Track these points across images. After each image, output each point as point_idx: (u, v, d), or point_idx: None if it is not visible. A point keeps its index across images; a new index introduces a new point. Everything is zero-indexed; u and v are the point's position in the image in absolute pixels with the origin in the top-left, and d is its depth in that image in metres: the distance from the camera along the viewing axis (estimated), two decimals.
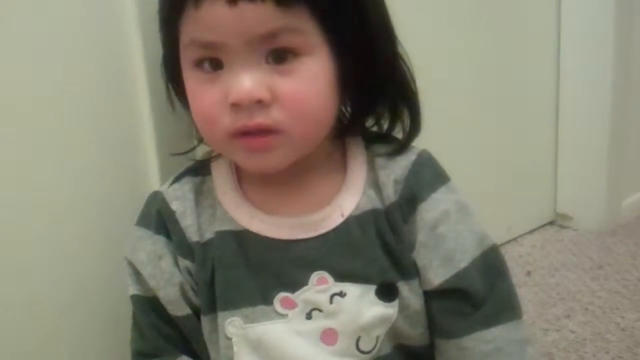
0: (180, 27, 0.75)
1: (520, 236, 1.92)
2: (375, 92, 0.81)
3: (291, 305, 0.80)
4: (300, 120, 0.74)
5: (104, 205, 1.00)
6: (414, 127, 0.84)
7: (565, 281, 1.68)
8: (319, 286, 0.80)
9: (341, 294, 0.80)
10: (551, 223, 2.02)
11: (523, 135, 1.88)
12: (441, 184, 0.83)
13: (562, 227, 2.00)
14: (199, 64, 0.74)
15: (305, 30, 0.72)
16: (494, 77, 1.73)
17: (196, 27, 0.72)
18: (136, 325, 0.86)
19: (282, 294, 0.80)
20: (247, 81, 0.71)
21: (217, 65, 0.73)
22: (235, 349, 0.81)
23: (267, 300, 0.80)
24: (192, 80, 0.76)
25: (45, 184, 0.94)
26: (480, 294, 0.81)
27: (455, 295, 0.81)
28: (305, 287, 0.80)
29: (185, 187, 0.84)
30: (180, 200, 0.83)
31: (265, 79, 0.72)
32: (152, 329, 0.83)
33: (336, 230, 0.81)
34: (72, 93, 0.94)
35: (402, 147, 0.84)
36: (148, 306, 0.84)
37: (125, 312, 0.93)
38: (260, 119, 0.73)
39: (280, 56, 0.72)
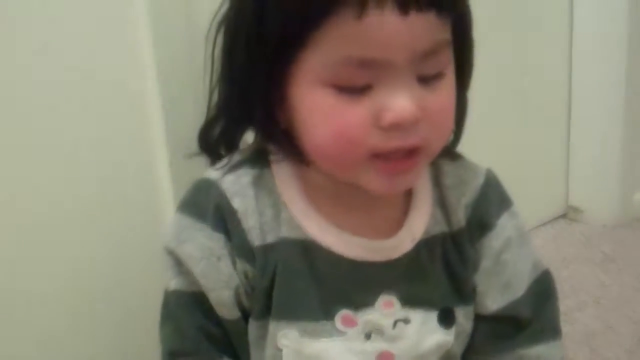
0: (316, 39, 0.65)
1: (532, 229, 1.92)
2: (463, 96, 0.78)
3: (352, 323, 0.77)
4: (442, 136, 0.73)
5: (112, 201, 1.00)
6: (460, 132, 0.81)
7: (578, 274, 1.68)
8: (386, 310, 0.78)
9: (405, 321, 0.78)
10: (563, 216, 2.02)
11: (535, 129, 1.87)
12: (505, 209, 0.83)
13: (573, 220, 2.00)
14: (338, 87, 0.66)
15: (450, 43, 0.70)
16: (507, 72, 1.73)
17: (354, 41, 0.64)
18: (174, 322, 0.80)
19: (345, 311, 0.77)
20: (408, 100, 0.65)
21: (365, 87, 0.66)
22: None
23: (329, 316, 0.77)
24: (324, 100, 0.67)
25: (52, 181, 0.95)
26: (528, 318, 0.82)
27: (505, 321, 0.82)
28: (371, 308, 0.78)
29: (244, 181, 0.77)
30: (241, 197, 0.76)
31: (419, 95, 0.67)
32: (194, 327, 0.78)
33: (406, 255, 0.79)
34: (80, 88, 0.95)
35: (456, 154, 0.82)
36: (193, 303, 0.78)
37: (136, 308, 0.93)
38: (413, 140, 0.68)
39: (433, 75, 0.68)
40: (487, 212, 0.81)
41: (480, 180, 0.82)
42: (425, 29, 0.65)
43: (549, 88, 1.90)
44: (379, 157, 0.69)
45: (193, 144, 0.86)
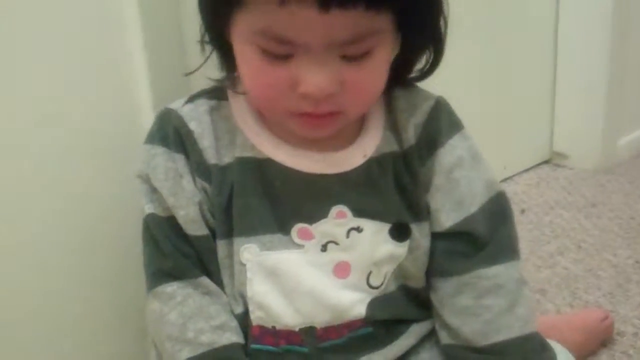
0: (248, 6, 0.70)
1: (516, 174, 1.94)
2: (418, 54, 0.82)
3: (308, 236, 0.82)
4: (362, 103, 0.78)
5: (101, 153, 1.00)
6: (433, 67, 0.84)
7: (559, 219, 1.71)
8: (338, 219, 0.82)
9: (358, 229, 0.82)
10: (547, 162, 2.04)
11: (520, 74, 1.87)
12: (456, 131, 0.86)
13: (557, 165, 2.02)
14: (265, 51, 0.71)
15: (385, 29, 0.72)
16: (492, 15, 1.72)
17: (275, 22, 0.68)
18: (153, 244, 0.83)
19: (300, 225, 0.81)
20: (322, 77, 0.70)
21: (287, 55, 0.71)
22: (249, 274, 0.81)
23: (285, 230, 0.81)
24: (252, 56, 0.73)
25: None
26: (484, 237, 0.84)
27: (461, 237, 0.84)
28: (324, 219, 0.82)
29: (201, 109, 0.83)
30: (197, 121, 0.82)
31: (337, 72, 0.71)
32: (172, 247, 0.82)
33: (357, 169, 0.82)
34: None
35: (418, 79, 0.85)
36: (166, 225, 0.82)
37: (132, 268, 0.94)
38: (326, 107, 0.73)
39: (358, 55, 0.71)
40: (437, 131, 0.84)
41: (430, 103, 0.85)
42: (347, 22, 0.67)
43: (535, 34, 1.90)
44: (294, 114, 0.75)
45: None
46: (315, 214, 0.82)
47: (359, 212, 0.82)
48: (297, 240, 0.82)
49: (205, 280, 0.82)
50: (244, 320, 0.84)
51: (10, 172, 0.91)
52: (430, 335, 0.90)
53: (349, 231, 0.82)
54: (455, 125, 0.86)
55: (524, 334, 0.83)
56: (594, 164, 1.97)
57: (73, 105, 0.95)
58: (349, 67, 0.71)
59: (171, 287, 0.82)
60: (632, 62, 1.96)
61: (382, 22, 0.71)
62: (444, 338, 0.87)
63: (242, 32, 0.72)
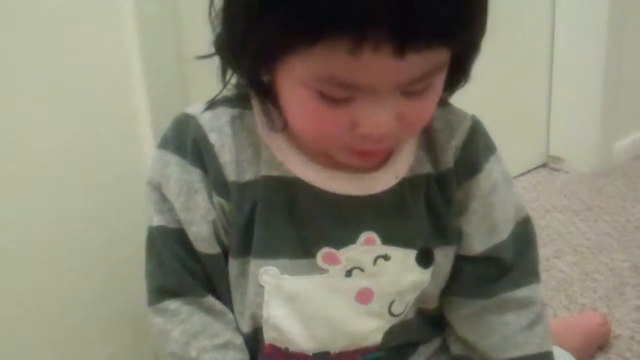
0: (312, 52, 0.62)
1: (512, 178, 1.94)
2: (466, 72, 0.76)
3: (335, 261, 0.78)
4: (417, 131, 0.75)
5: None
6: (464, 82, 0.78)
7: (556, 222, 1.71)
8: (366, 246, 0.78)
9: (385, 257, 0.79)
10: (543, 165, 2.04)
11: (517, 78, 1.88)
12: (492, 153, 0.83)
13: (554, 169, 2.02)
14: (321, 93, 0.65)
15: (447, 60, 0.67)
16: (490, 22, 1.72)
17: (342, 69, 0.62)
18: (158, 258, 0.80)
19: (327, 249, 0.77)
20: (384, 119, 0.66)
21: (348, 98, 0.65)
22: (266, 297, 0.79)
23: (309, 254, 0.77)
24: (308, 100, 0.66)
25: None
26: (511, 262, 0.83)
27: (488, 262, 0.83)
28: (352, 245, 0.78)
29: (223, 119, 0.77)
30: (218, 132, 0.76)
31: (398, 109, 0.66)
32: (177, 263, 0.79)
33: (388, 191, 0.78)
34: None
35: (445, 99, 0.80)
36: (175, 239, 0.78)
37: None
38: (384, 144, 0.71)
39: (420, 89, 0.67)
40: (476, 154, 0.81)
41: (468, 124, 0.82)
42: (419, 63, 0.63)
43: (531, 38, 1.90)
44: (351, 151, 0.71)
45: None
46: (343, 239, 0.78)
47: (387, 240, 0.79)
48: (321, 264, 0.78)
49: (210, 299, 0.80)
50: (254, 337, 0.82)
51: (7, 172, 0.92)
52: (435, 354, 0.90)
53: (376, 258, 0.79)
54: (490, 148, 0.83)
55: (540, 352, 0.83)
56: (590, 167, 1.98)
57: (69, 105, 0.96)
58: (409, 102, 0.66)
59: (175, 304, 0.80)
60: (627, 67, 1.96)
61: (447, 55, 0.67)
62: (457, 349, 0.87)
63: (298, 75, 0.65)
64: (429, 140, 0.81)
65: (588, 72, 1.91)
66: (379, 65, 0.61)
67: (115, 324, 1.06)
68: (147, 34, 0.99)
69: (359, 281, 0.79)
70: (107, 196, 1.02)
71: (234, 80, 0.78)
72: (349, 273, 0.79)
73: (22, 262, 0.97)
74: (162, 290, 0.81)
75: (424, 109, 0.70)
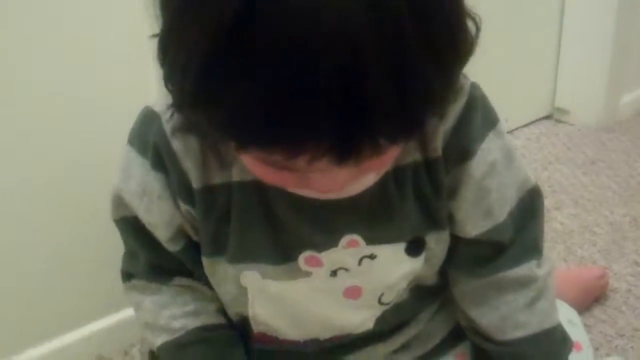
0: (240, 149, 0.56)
1: (517, 129, 1.93)
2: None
3: (317, 263, 0.74)
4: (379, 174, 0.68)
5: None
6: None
7: (558, 175, 1.70)
8: (349, 249, 0.74)
9: (371, 257, 0.75)
10: (548, 117, 2.02)
11: (526, 28, 1.85)
12: (490, 129, 0.74)
13: (559, 121, 2.00)
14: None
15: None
16: None
17: (281, 164, 0.55)
18: (127, 247, 0.81)
19: (308, 253, 0.73)
20: (336, 182, 0.59)
21: None
22: (250, 297, 0.77)
23: (291, 258, 0.73)
24: (249, 159, 0.60)
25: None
26: (509, 239, 0.79)
27: (485, 243, 0.79)
28: (333, 249, 0.73)
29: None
30: (182, 134, 0.70)
31: (353, 168, 0.57)
32: (144, 256, 0.79)
33: (370, 190, 0.70)
34: None
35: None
36: (139, 229, 0.76)
37: None
38: (344, 192, 0.65)
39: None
40: (468, 138, 0.73)
41: (461, 101, 0.72)
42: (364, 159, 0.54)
43: None
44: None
45: None
46: (324, 243, 0.73)
47: (372, 240, 0.74)
48: (304, 267, 0.74)
49: (178, 279, 0.80)
50: (243, 326, 0.82)
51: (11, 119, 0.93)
52: (435, 314, 0.88)
53: (361, 259, 0.74)
54: (488, 123, 0.74)
55: (542, 330, 0.80)
56: (596, 121, 1.96)
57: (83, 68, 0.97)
58: (368, 159, 0.56)
59: (145, 281, 0.81)
60: (638, 22, 1.93)
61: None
62: (463, 321, 0.85)
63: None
64: None
65: (599, 25, 1.88)
66: (319, 166, 0.53)
67: (101, 263, 1.07)
68: None
69: (345, 280, 0.76)
70: (105, 148, 1.01)
71: None
72: (333, 273, 0.75)
73: (14, 203, 0.98)
74: (132, 275, 0.82)
75: (384, 162, 0.62)
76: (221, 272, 0.76)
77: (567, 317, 0.98)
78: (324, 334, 0.81)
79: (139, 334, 1.02)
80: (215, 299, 0.81)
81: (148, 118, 0.73)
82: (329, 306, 0.77)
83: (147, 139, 0.72)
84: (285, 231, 0.73)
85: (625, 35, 1.90)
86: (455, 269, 0.82)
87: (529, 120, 1.97)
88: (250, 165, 0.61)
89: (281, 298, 0.77)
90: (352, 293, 0.77)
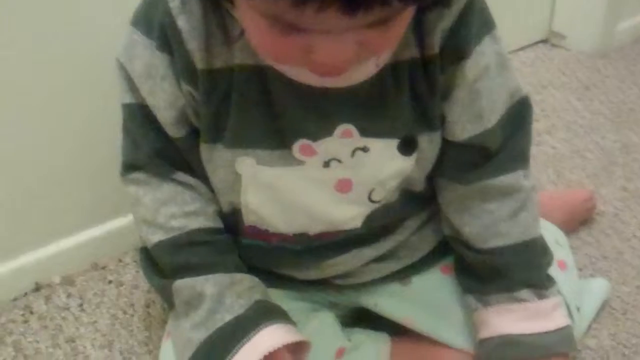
0: None
1: (512, 52, 1.91)
2: None
3: (311, 152, 0.76)
4: (386, 52, 0.70)
5: None
6: None
7: (551, 99, 1.70)
8: (343, 139, 0.76)
9: (364, 149, 0.77)
10: (544, 41, 2.00)
11: None
12: (486, 33, 0.77)
13: (554, 45, 1.98)
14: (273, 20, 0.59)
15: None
16: None
17: (289, 16, 0.56)
18: (129, 135, 0.81)
19: (303, 141, 0.75)
20: (341, 48, 0.59)
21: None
22: (243, 184, 0.79)
23: (286, 145, 0.76)
24: (259, 24, 0.60)
25: None
26: (497, 147, 0.81)
27: (474, 148, 0.81)
28: (328, 137, 0.76)
29: (193, 0, 0.72)
30: (187, 15, 0.71)
31: (357, 38, 0.59)
32: (148, 143, 0.79)
33: (368, 81, 0.73)
34: None
35: None
36: (145, 117, 0.78)
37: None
38: (347, 68, 0.64)
39: (382, 22, 0.59)
40: (465, 39, 0.75)
41: (461, 2, 0.74)
42: (375, 13, 0.55)
43: None
44: (312, 70, 0.65)
45: None
46: (318, 132, 0.75)
47: (366, 132, 0.76)
48: (298, 156, 0.76)
49: (181, 175, 0.80)
50: (234, 217, 0.83)
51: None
52: (422, 223, 0.90)
53: (354, 150, 0.77)
54: (485, 26, 0.77)
55: (523, 241, 0.83)
56: (592, 46, 1.94)
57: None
58: (372, 31, 0.59)
59: (145, 175, 0.81)
60: None
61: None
62: (447, 230, 0.87)
63: (246, 5, 0.61)
64: (417, 20, 0.72)
65: None
66: (326, 19, 0.54)
67: (106, 166, 1.07)
68: None
69: (337, 172, 0.78)
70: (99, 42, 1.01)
71: None
72: (326, 164, 0.77)
73: (14, 107, 0.98)
74: (132, 166, 0.82)
75: (389, 38, 0.63)
76: (217, 159, 0.78)
77: (554, 237, 1.01)
78: (313, 228, 0.82)
79: (133, 241, 1.03)
80: (214, 200, 0.82)
81: (153, 1, 0.74)
82: (320, 197, 0.79)
83: (153, 19, 0.74)
84: (282, 118, 0.75)
85: None
86: (443, 175, 0.84)
87: (525, 44, 1.95)
88: (255, 31, 0.63)
89: (273, 186, 0.79)
90: (343, 186, 0.79)
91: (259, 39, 0.64)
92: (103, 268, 1.14)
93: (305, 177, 0.78)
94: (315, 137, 0.76)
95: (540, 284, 0.83)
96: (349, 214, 0.82)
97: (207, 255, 0.81)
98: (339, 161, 0.77)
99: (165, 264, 0.82)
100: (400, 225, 0.88)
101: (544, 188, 1.34)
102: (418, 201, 0.87)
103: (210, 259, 0.81)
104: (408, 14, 0.63)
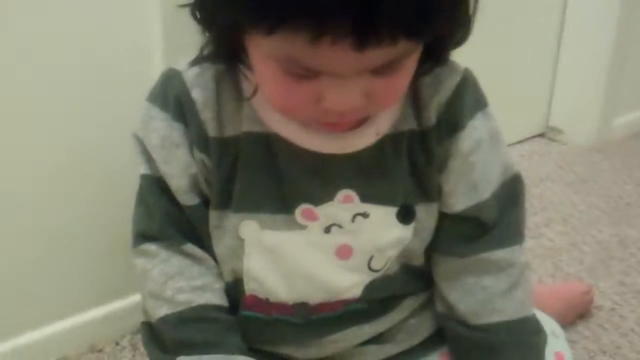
0: (273, 35, 0.61)
1: (510, 145, 1.95)
2: (446, 47, 0.75)
3: (313, 217, 0.79)
4: (389, 105, 0.74)
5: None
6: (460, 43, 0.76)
7: (549, 192, 1.72)
8: (344, 204, 0.78)
9: (364, 215, 0.79)
10: (542, 135, 2.05)
11: (524, 45, 1.87)
12: (479, 109, 0.81)
13: (552, 140, 2.02)
14: (288, 71, 0.65)
15: (418, 47, 0.67)
16: None
17: (303, 54, 0.61)
18: (144, 205, 0.83)
19: (305, 205, 0.78)
20: (348, 96, 0.65)
21: (311, 75, 0.64)
22: (246, 249, 0.80)
23: (289, 210, 0.78)
24: (273, 72, 0.66)
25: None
26: (492, 221, 0.82)
27: (468, 221, 0.82)
28: (329, 202, 0.78)
29: (207, 74, 0.77)
30: (201, 88, 0.76)
31: (365, 87, 0.65)
32: (161, 210, 0.81)
33: (369, 149, 0.78)
34: None
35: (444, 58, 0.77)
36: (159, 188, 0.80)
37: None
38: (352, 118, 0.71)
39: (388, 71, 0.65)
40: (460, 112, 0.79)
41: (456, 79, 0.79)
42: (383, 53, 0.61)
43: (541, 8, 1.89)
44: (319, 122, 0.72)
45: None
46: (320, 196, 0.78)
47: (366, 197, 0.79)
48: (300, 220, 0.79)
49: (190, 246, 0.81)
50: (235, 287, 0.83)
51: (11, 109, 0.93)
52: (422, 306, 0.90)
53: (354, 216, 0.79)
54: (478, 103, 0.81)
55: (517, 318, 0.83)
56: (588, 141, 1.98)
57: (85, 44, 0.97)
58: (378, 80, 0.65)
59: (155, 247, 0.82)
60: (635, 44, 1.96)
61: (415, 45, 0.65)
62: (440, 307, 0.87)
63: (263, 51, 0.65)
64: (414, 95, 0.79)
65: (596, 47, 1.91)
66: (339, 56, 0.60)
67: (108, 248, 1.08)
68: None
69: (337, 237, 0.80)
70: (108, 132, 1.03)
71: None
72: (327, 229, 0.79)
73: (22, 191, 1.00)
74: (143, 236, 0.83)
75: (394, 87, 0.69)
76: (226, 225, 0.80)
77: (550, 329, 1.00)
78: (313, 297, 0.83)
79: (130, 324, 1.03)
80: (221, 276, 0.84)
81: (169, 76, 0.79)
82: (320, 263, 0.81)
83: (168, 94, 0.78)
84: (286, 182, 0.78)
85: (621, 59, 1.93)
86: (438, 250, 0.85)
87: (523, 137, 2.00)
88: (269, 80, 0.68)
89: (275, 251, 0.80)
90: (344, 252, 0.81)
91: (273, 88, 0.69)
92: (100, 351, 1.14)
93: (306, 242, 0.80)
94: (317, 202, 0.78)
95: None
96: (349, 282, 0.83)
97: (211, 333, 0.81)
98: (340, 226, 0.79)
99: (169, 339, 0.82)
100: (399, 304, 0.88)
101: (541, 281, 1.35)
102: (417, 278, 0.88)
103: (214, 338, 0.81)
104: (411, 65, 0.68)
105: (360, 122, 0.76)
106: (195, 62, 0.78)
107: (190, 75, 0.77)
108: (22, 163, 0.98)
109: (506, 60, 1.81)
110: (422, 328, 0.90)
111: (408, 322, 0.90)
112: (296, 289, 0.82)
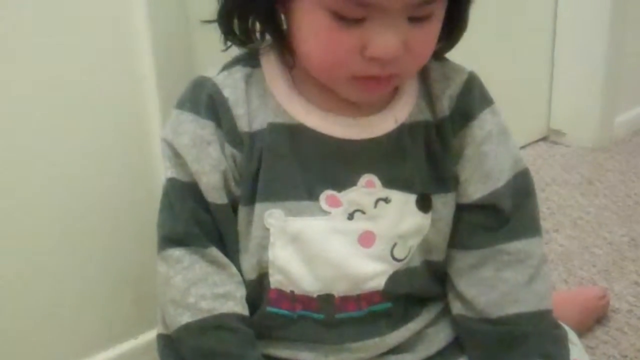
0: None
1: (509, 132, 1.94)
2: (457, 23, 0.83)
3: (336, 203, 0.82)
4: (418, 64, 0.80)
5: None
6: (458, 38, 0.85)
7: (556, 196, 1.71)
8: (367, 188, 0.82)
9: (386, 200, 0.82)
10: (544, 139, 2.04)
11: (520, 50, 1.86)
12: (487, 105, 0.86)
13: (554, 143, 2.02)
14: (336, 14, 0.72)
15: None
16: None
17: None
18: (169, 209, 0.85)
19: (329, 192, 0.82)
20: (392, 40, 0.72)
21: (359, 19, 0.72)
22: (271, 239, 0.82)
23: (313, 196, 0.82)
24: (322, 21, 0.73)
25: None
26: (508, 212, 0.85)
27: (485, 210, 0.85)
28: (353, 187, 0.82)
29: (237, 76, 0.83)
30: (232, 88, 0.82)
31: (404, 34, 0.72)
32: (187, 214, 0.83)
33: (389, 135, 0.83)
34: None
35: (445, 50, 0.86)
36: (186, 191, 0.83)
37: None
38: (391, 69, 0.75)
39: (423, 16, 0.73)
40: (471, 104, 0.85)
41: (463, 76, 0.86)
42: None
43: (535, 11, 1.89)
44: (357, 79, 0.76)
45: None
46: (344, 182, 0.82)
47: (388, 183, 0.82)
48: (324, 207, 0.82)
49: (214, 251, 0.82)
50: (260, 283, 0.84)
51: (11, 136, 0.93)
52: (438, 315, 0.90)
53: (377, 201, 0.82)
54: (486, 100, 0.87)
55: (539, 310, 0.84)
56: (591, 142, 1.97)
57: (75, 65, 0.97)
58: (413, 29, 0.73)
59: (179, 252, 0.83)
60: (630, 41, 1.95)
61: None
62: (457, 309, 0.88)
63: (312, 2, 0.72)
64: (426, 91, 0.85)
65: (591, 46, 1.90)
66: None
67: (117, 289, 1.07)
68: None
69: (361, 224, 0.82)
70: (109, 163, 1.03)
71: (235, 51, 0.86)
72: (350, 216, 0.82)
73: (25, 225, 0.98)
74: (168, 239, 0.84)
75: (426, 38, 0.76)
76: (253, 219, 0.82)
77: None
78: (337, 286, 0.83)
79: None
80: (242, 284, 0.84)
81: (199, 82, 0.84)
82: (344, 250, 0.82)
83: (199, 96, 0.83)
84: (310, 169, 0.82)
85: (617, 56, 1.93)
86: (458, 243, 0.87)
87: (525, 143, 1.99)
88: (315, 31, 0.74)
89: (300, 238, 0.82)
90: (367, 240, 0.83)
91: (320, 40, 0.74)
92: None
93: (330, 228, 0.82)
94: (340, 188, 0.82)
95: (557, 355, 0.84)
96: (372, 270, 0.83)
97: (231, 345, 0.82)
98: (363, 212, 0.82)
99: (189, 347, 0.82)
100: (421, 312, 0.89)
101: (555, 287, 1.33)
102: (438, 278, 0.89)
103: (235, 350, 0.81)
104: (440, 15, 0.76)
105: (383, 105, 0.83)
106: (225, 67, 0.84)
107: (220, 78, 0.83)
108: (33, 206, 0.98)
109: (503, 67, 1.81)
110: (439, 337, 0.90)
111: (425, 332, 0.89)
112: (320, 277, 0.83)
